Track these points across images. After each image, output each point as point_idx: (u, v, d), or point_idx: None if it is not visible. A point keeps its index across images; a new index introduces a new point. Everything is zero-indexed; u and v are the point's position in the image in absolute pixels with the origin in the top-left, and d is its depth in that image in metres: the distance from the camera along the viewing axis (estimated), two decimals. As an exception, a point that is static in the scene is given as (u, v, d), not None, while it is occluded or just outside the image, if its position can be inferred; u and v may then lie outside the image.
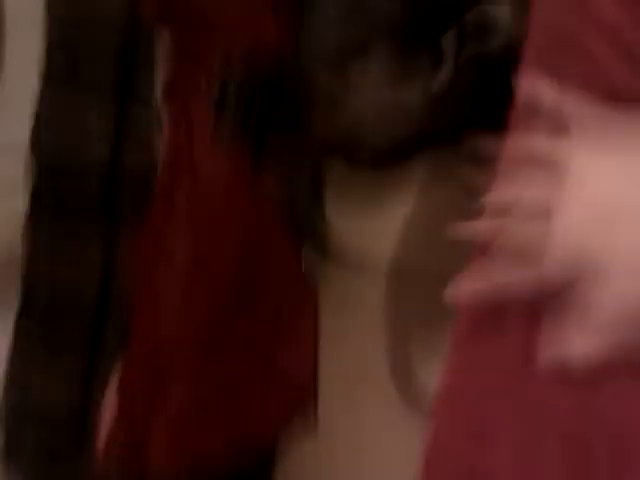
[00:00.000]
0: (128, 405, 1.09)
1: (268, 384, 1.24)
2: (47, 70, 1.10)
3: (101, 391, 1.16)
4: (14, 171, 1.15)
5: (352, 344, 1.26)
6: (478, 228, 0.38)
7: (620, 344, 0.34)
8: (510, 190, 0.37)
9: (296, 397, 1.27)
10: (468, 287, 0.37)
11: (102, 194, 1.12)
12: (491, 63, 0.93)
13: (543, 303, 0.36)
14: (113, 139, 1.10)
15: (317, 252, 1.34)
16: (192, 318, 1.22)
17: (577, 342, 0.34)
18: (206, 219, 1.24)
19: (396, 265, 1.09)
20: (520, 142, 0.37)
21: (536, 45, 0.38)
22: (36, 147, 1.11)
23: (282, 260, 1.30)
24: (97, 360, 1.24)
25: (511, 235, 0.36)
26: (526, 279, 0.35)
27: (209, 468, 1.18)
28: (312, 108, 0.74)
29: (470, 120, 0.75)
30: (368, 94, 0.71)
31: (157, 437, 1.08)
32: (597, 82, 0.34)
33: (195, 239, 1.20)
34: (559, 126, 0.34)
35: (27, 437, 1.20)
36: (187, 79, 1.19)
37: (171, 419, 1.08)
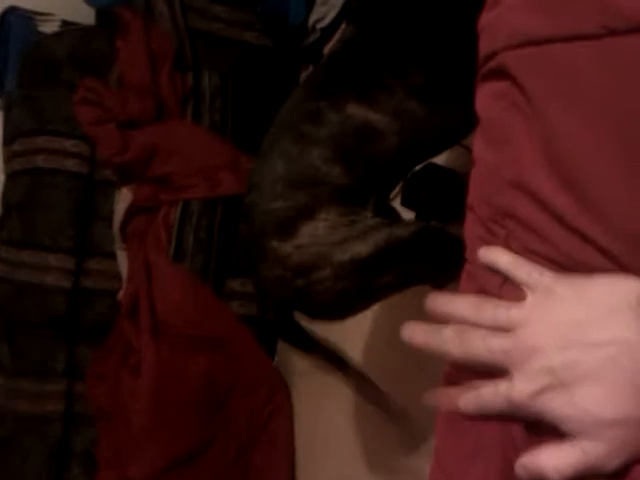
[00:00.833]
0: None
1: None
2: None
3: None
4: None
5: (328, 446, 1.28)
6: (438, 340, 0.38)
7: (609, 446, 0.34)
8: (472, 304, 0.37)
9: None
10: (445, 401, 0.38)
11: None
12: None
13: (515, 420, 0.36)
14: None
15: (287, 353, 1.36)
16: (161, 436, 1.24)
17: (551, 457, 0.35)
18: (170, 340, 1.25)
19: (362, 364, 1.10)
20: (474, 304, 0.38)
21: (479, 216, 0.40)
22: None
23: (253, 366, 1.33)
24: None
25: (475, 349, 0.37)
26: (496, 396, 0.36)
27: None
28: (264, 269, 0.76)
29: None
30: (318, 253, 0.73)
31: None
32: (541, 250, 0.36)
33: (160, 359, 1.21)
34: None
35: None
36: (145, 227, 1.26)
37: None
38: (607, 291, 0.35)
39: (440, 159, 0.96)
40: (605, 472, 0.34)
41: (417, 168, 0.91)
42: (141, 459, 1.21)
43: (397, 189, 0.98)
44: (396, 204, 0.99)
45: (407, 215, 1.00)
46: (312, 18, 1.51)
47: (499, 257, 0.37)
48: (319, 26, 1.51)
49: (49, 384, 1.32)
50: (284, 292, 0.77)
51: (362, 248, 0.73)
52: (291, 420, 1.38)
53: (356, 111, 0.74)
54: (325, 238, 0.73)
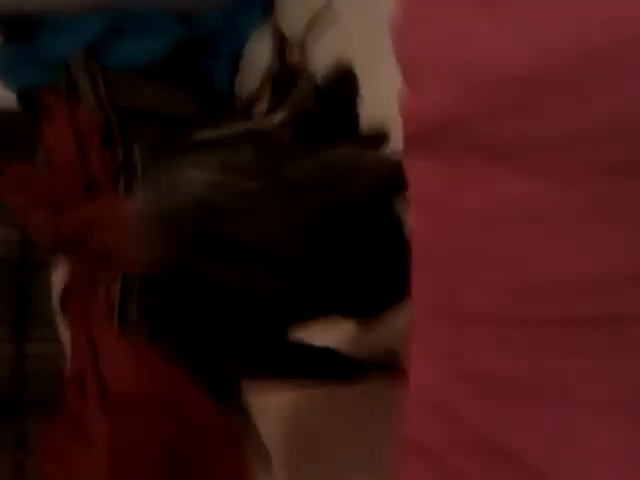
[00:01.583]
0: None
1: None
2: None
3: None
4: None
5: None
6: None
7: None
8: None
9: None
10: None
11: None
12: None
13: None
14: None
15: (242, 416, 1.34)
16: None
17: None
18: (121, 409, 1.25)
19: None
20: None
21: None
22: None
23: (208, 429, 1.26)
24: None
25: None
26: None
27: None
28: None
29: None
30: None
31: None
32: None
33: (112, 431, 1.19)
34: None
35: None
36: (86, 297, 1.25)
37: None
38: None
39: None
40: None
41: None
42: None
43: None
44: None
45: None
46: (238, 86, 1.53)
47: None
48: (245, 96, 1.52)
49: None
50: None
51: None
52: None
53: None
54: None
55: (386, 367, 0.90)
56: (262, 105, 1.37)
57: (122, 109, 1.37)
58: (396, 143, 0.90)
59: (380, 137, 0.94)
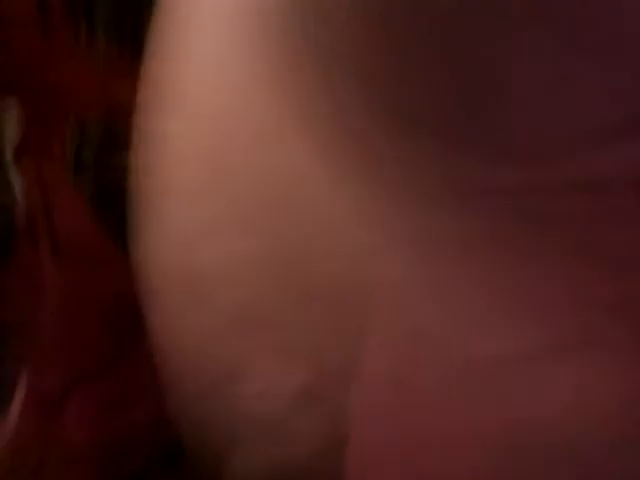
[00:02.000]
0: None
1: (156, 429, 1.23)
2: None
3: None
4: None
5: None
6: None
7: None
8: None
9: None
10: None
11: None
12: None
13: None
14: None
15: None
16: (69, 350, 1.23)
17: None
18: (73, 258, 1.23)
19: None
20: None
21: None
22: None
23: None
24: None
25: None
26: None
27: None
28: None
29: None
30: None
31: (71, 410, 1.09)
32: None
33: (63, 277, 1.17)
34: None
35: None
36: (39, 144, 1.18)
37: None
38: None
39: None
40: None
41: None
42: (49, 371, 1.15)
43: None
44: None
45: None
46: None
47: None
48: None
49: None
50: None
51: None
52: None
53: None
54: None
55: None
56: None
57: None
58: None
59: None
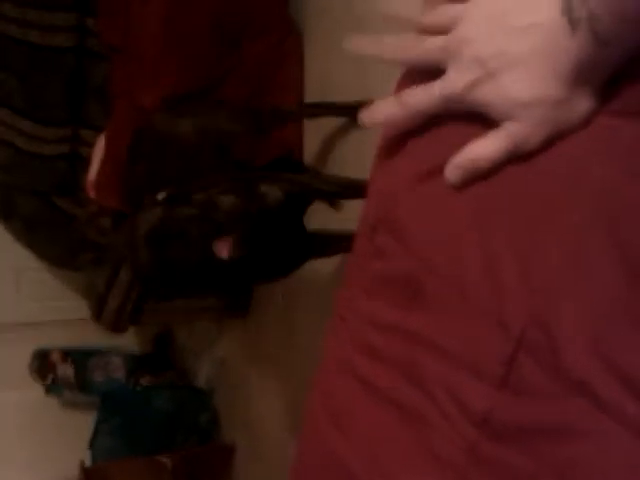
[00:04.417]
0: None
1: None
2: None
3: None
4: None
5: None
6: (379, 48, 0.42)
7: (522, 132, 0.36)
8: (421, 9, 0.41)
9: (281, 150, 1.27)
10: (381, 109, 0.41)
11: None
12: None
13: (449, 120, 0.39)
14: None
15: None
16: (172, 66, 1.22)
17: (479, 147, 0.37)
18: None
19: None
20: None
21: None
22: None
23: (265, 8, 1.31)
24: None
25: (414, 51, 0.40)
26: (431, 93, 0.39)
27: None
28: None
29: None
30: None
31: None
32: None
33: None
34: None
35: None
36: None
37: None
38: None
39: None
40: (529, 149, 0.36)
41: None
42: (153, 89, 1.20)
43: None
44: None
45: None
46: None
47: None
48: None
49: (58, 16, 1.31)
50: None
51: None
52: (301, 68, 1.35)
53: None
54: None
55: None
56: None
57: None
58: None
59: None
